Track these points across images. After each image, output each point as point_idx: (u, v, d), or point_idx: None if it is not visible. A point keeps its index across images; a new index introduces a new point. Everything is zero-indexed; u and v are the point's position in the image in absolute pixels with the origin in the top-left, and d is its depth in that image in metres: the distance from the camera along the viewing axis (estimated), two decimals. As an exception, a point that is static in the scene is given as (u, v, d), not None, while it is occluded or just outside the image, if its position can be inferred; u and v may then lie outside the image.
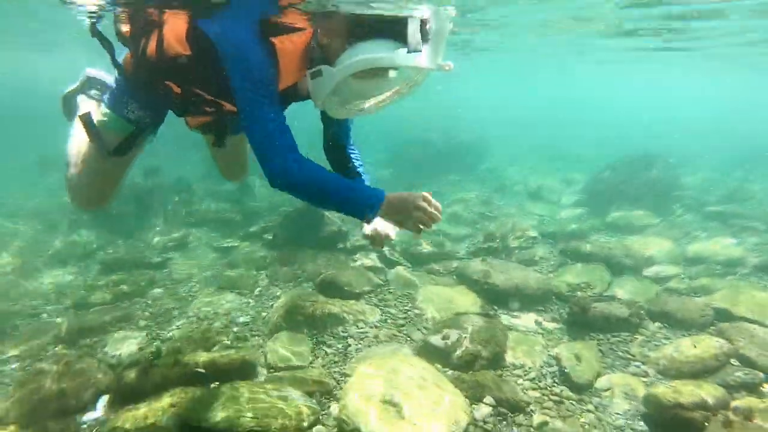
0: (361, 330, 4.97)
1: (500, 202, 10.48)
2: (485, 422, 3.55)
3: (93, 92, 3.02)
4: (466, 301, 5.39)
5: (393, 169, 13.46)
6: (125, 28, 2.68)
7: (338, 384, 4.03)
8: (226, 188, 10.32)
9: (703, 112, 43.06)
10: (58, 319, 5.31)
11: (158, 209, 8.77)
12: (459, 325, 4.57)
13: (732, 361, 4.32)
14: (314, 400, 3.74)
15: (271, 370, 4.32)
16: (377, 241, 2.33)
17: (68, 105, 3.10)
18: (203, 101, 2.39)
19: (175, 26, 2.28)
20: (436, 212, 2.00)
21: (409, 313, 5.32)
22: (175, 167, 10.66)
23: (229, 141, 2.89)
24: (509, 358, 4.45)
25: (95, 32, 2.67)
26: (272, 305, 5.48)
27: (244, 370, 4.11)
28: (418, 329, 4.91)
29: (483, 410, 3.66)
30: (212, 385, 3.81)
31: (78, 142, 2.75)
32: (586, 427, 3.63)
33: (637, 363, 4.46)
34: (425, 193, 2.01)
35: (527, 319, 5.23)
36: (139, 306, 5.65)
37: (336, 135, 2.61)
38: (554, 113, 38.37)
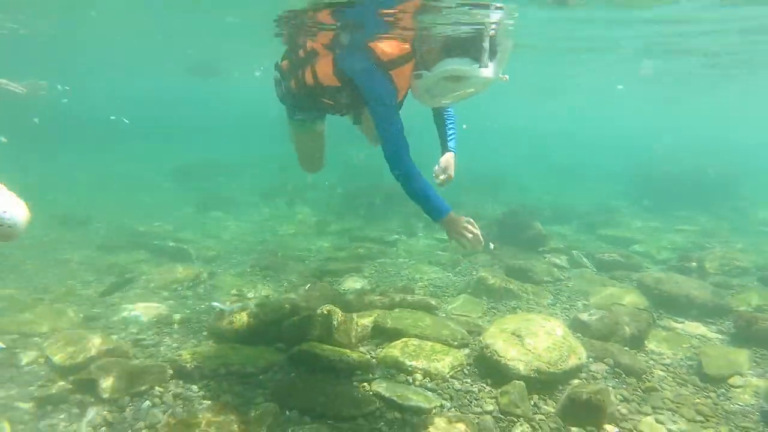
0: (530, 306, 5.94)
1: (730, 239, 9.93)
2: (596, 372, 4.28)
3: None
4: (633, 300, 5.89)
5: (627, 201, 13.59)
6: (284, 63, 4.09)
7: (491, 328, 5.11)
8: (461, 200, 11.97)
9: None
10: (314, 265, 7.45)
11: (402, 206, 10.84)
12: (609, 308, 5.24)
13: None
14: (469, 336, 4.90)
15: (448, 315, 5.61)
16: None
17: None
18: (349, 108, 3.79)
19: (323, 65, 3.53)
20: (472, 238, 3.15)
21: (577, 302, 6.08)
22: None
23: (363, 118, 4.19)
24: (651, 345, 4.94)
25: (278, 67, 4.12)
26: (465, 280, 6.76)
27: (427, 308, 5.48)
28: (580, 314, 5.65)
29: (600, 366, 4.38)
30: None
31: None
32: (699, 406, 4.03)
33: (793, 378, 4.50)
34: (471, 225, 3.17)
35: (690, 326, 5.49)
36: (368, 265, 7.48)
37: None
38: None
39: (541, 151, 24.90)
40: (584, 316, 5.11)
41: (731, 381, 4.37)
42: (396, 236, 9.10)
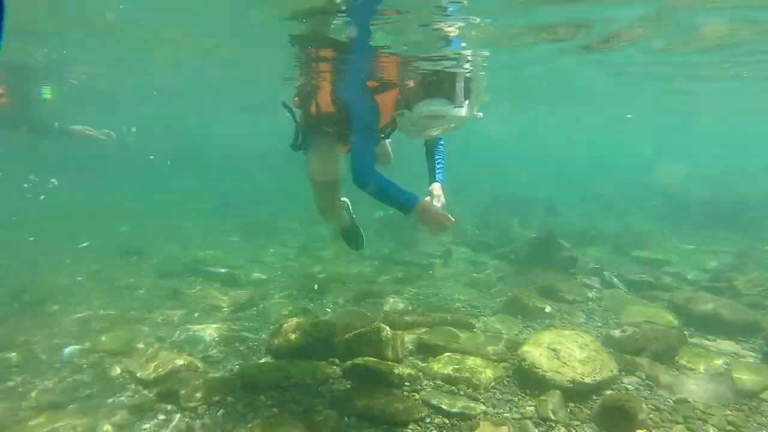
0: (564, 324, 6.25)
1: (766, 261, 9.99)
2: (628, 384, 4.58)
3: None
4: (665, 319, 6.15)
5: (658, 223, 13.74)
6: (296, 99, 4.64)
7: (528, 345, 5.44)
8: (492, 221, 12.32)
9: None
10: (356, 287, 7.89)
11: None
12: (639, 326, 5.52)
13: None
14: (507, 351, 5.25)
15: (486, 332, 5.96)
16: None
17: None
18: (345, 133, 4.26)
19: (323, 95, 4.13)
20: (440, 224, 3.63)
21: (609, 321, 6.37)
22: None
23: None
24: (682, 361, 5.18)
25: (284, 104, 4.52)
26: (500, 300, 7.11)
27: (466, 326, 5.86)
28: (611, 331, 5.94)
29: (631, 378, 4.68)
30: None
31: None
32: (730, 417, 4.27)
33: (825, 393, 4.67)
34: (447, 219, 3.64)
35: (722, 344, 5.70)
36: (407, 287, 7.89)
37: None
38: None
39: (570, 172, 25.00)
40: (616, 333, 5.41)
41: (763, 395, 4.56)
42: (432, 259, 9.49)
